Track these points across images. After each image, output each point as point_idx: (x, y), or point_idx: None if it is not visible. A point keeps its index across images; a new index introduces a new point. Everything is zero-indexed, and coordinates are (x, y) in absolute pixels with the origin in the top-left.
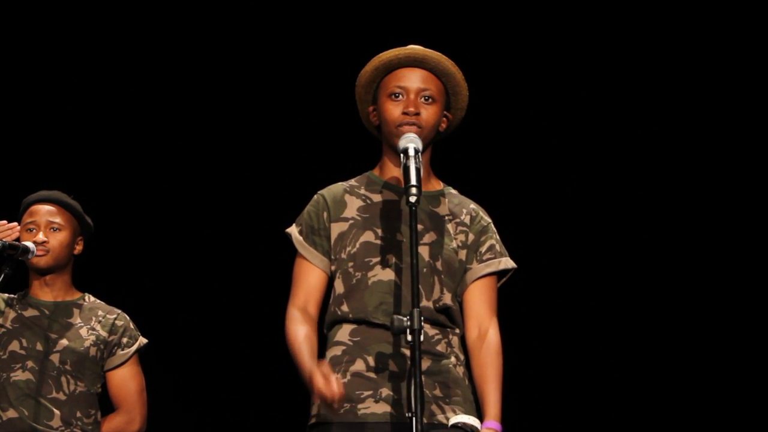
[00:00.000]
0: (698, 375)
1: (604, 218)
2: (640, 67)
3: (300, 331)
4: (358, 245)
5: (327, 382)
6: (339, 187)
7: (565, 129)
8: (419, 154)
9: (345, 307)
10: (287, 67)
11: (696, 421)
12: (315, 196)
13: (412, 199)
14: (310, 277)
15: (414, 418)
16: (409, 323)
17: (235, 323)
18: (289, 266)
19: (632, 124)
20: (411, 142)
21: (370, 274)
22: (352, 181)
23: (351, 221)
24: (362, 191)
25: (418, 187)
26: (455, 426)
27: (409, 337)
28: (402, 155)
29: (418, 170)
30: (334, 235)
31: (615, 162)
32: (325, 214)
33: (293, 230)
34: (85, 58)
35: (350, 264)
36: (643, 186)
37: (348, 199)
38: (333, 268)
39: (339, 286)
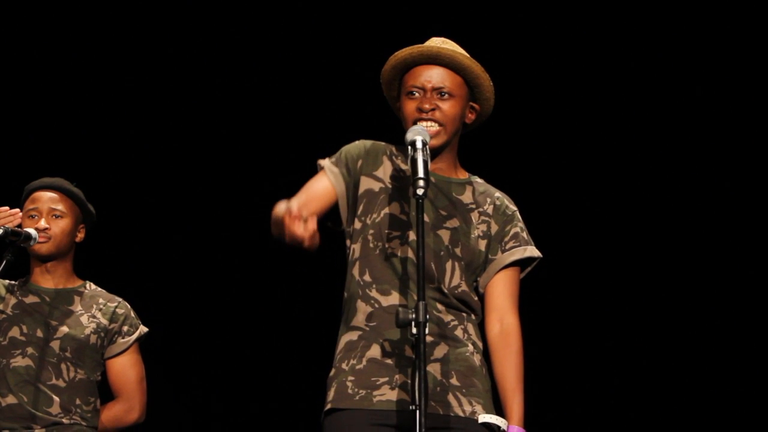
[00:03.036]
0: (714, 370)
1: (626, 214)
2: (660, 65)
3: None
4: (382, 214)
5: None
6: (381, 145)
7: (587, 122)
8: (426, 146)
9: (366, 276)
10: (292, 57)
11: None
12: (358, 141)
13: (420, 191)
14: (318, 186)
15: (417, 411)
16: (414, 316)
17: (237, 312)
18: (290, 258)
19: (649, 122)
20: (419, 134)
21: (388, 246)
22: (393, 148)
23: (382, 185)
24: (398, 161)
25: (426, 179)
26: (483, 424)
27: (414, 330)
28: (410, 147)
29: (425, 162)
30: (362, 188)
31: (636, 158)
32: (360, 162)
33: (326, 161)
34: (88, 45)
35: (371, 231)
36: (664, 180)
37: (384, 159)
38: (354, 227)
39: (356, 251)
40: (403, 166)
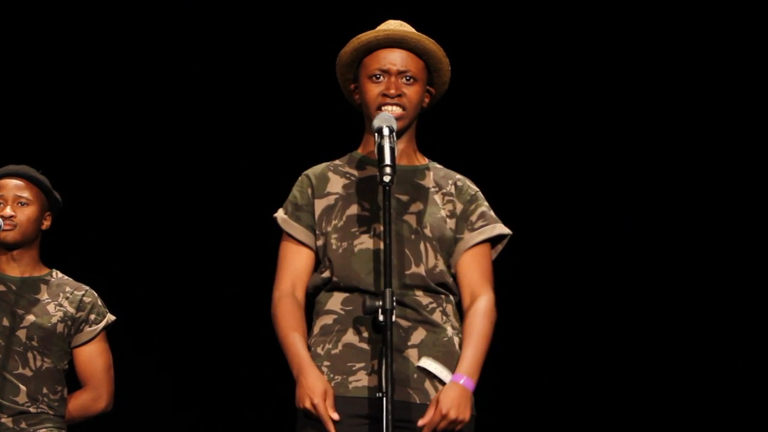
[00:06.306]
0: (698, 366)
1: (601, 201)
2: (629, 40)
3: (289, 321)
4: (344, 218)
5: (320, 404)
6: (322, 166)
7: (555, 105)
8: (393, 133)
9: (334, 276)
10: (267, 46)
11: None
12: (300, 177)
13: (386, 179)
14: (296, 259)
15: (384, 398)
16: (380, 303)
17: (205, 299)
18: (263, 245)
19: (627, 108)
20: (385, 121)
21: (356, 242)
22: (336, 161)
23: (337, 196)
24: (346, 169)
25: (392, 166)
26: (420, 369)
27: (381, 318)
28: (376, 134)
29: (392, 150)
30: (318, 210)
31: (613, 144)
32: (310, 191)
33: (279, 213)
34: (55, 30)
35: (334, 236)
36: (636, 168)
37: (331, 176)
38: (318, 243)
39: (324, 255)
40: (352, 171)
